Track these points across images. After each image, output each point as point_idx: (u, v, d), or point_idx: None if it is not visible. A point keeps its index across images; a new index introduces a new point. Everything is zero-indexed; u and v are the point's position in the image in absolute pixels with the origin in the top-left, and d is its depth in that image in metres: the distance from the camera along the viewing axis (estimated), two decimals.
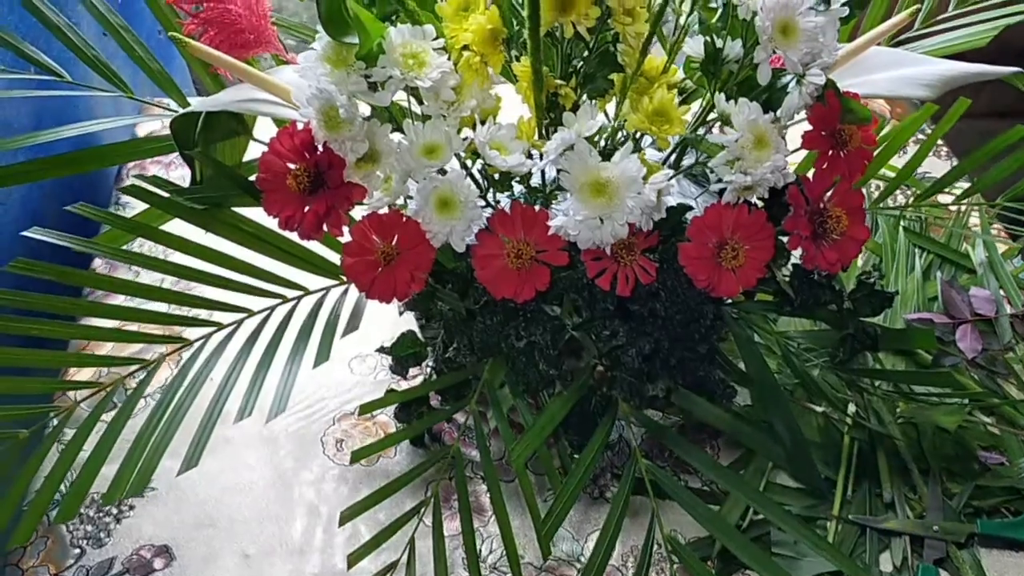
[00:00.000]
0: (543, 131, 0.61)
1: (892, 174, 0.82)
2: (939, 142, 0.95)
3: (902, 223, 0.81)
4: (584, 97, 0.63)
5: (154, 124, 1.01)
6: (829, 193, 0.60)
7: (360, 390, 0.75)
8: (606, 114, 0.67)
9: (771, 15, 0.53)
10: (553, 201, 0.64)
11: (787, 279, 0.63)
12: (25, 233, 0.56)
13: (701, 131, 0.64)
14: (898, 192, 0.88)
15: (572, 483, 0.62)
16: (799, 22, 0.54)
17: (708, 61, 0.62)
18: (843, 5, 0.57)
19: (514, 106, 0.61)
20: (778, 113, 0.59)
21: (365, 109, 0.57)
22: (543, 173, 0.61)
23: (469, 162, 0.59)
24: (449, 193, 0.55)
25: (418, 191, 0.55)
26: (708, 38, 0.62)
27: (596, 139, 0.65)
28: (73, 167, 0.58)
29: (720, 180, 0.59)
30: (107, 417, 0.65)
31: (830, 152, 0.60)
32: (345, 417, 0.74)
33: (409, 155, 0.55)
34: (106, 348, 0.76)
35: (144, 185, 0.57)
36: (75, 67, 0.69)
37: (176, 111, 0.62)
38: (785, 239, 0.62)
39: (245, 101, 0.58)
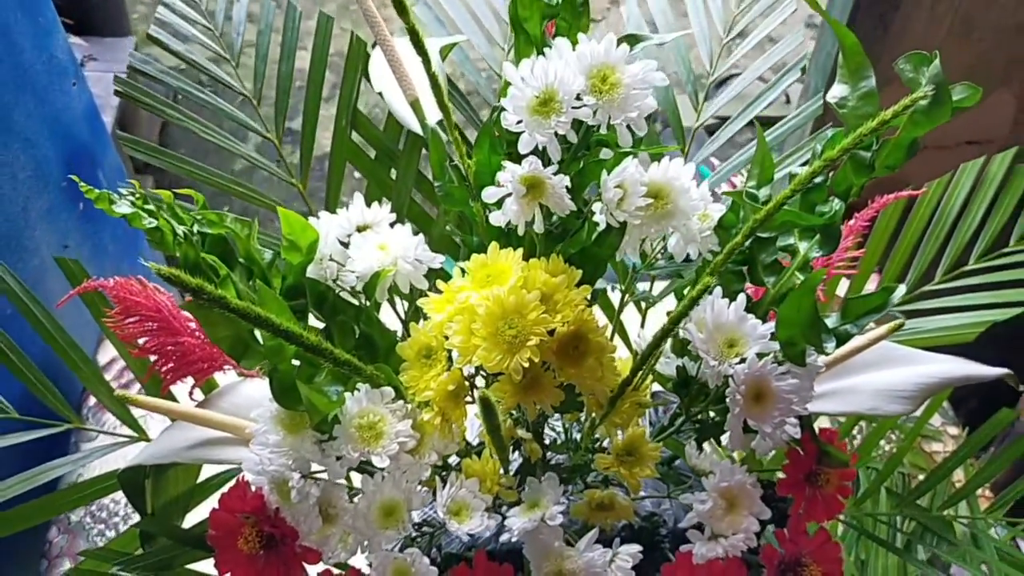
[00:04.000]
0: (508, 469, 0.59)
1: None
2: None
3: (884, 485, 0.79)
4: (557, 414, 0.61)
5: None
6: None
7: None
8: (578, 420, 0.66)
9: (743, 387, 0.51)
10: None
11: None
12: None
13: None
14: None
15: None
16: (774, 387, 0.52)
17: (680, 383, 0.61)
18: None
19: None
20: (752, 445, 0.58)
21: None
22: None
23: None
24: (406, 568, 0.53)
25: (376, 566, 0.53)
26: (680, 363, 0.61)
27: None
28: (29, 520, 0.56)
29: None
30: None
31: (806, 494, 0.59)
32: None
33: (365, 521, 0.53)
34: None
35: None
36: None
37: (126, 437, 0.60)
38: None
39: (197, 446, 0.56)
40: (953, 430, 0.90)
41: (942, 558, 0.74)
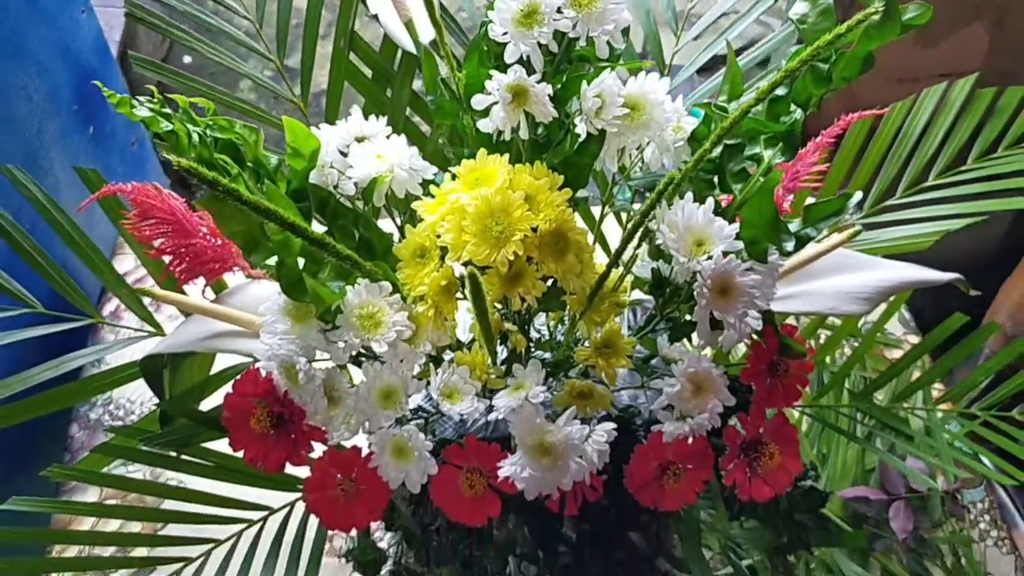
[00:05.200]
0: (496, 361, 0.63)
1: None
2: None
3: (846, 388, 0.84)
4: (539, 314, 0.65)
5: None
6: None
7: (325, 574, 0.76)
8: (562, 321, 0.70)
9: (709, 282, 0.55)
10: None
11: (723, 489, 0.66)
12: (4, 506, 0.58)
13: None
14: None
15: None
16: (737, 281, 0.56)
17: (655, 284, 0.65)
18: (781, 256, 0.60)
19: None
20: (719, 340, 0.62)
21: None
22: None
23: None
24: (404, 443, 0.57)
25: (376, 442, 0.57)
26: (655, 265, 0.65)
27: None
28: (56, 404, 0.60)
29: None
30: None
31: (767, 383, 0.63)
32: None
33: (366, 403, 0.57)
34: None
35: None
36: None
37: (144, 332, 0.63)
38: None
39: (211, 337, 0.60)
40: (914, 339, 0.95)
41: (899, 450, 0.78)
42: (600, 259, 0.60)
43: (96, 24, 1.04)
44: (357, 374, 0.59)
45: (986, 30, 1.40)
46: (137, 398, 0.88)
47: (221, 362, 0.64)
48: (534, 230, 0.52)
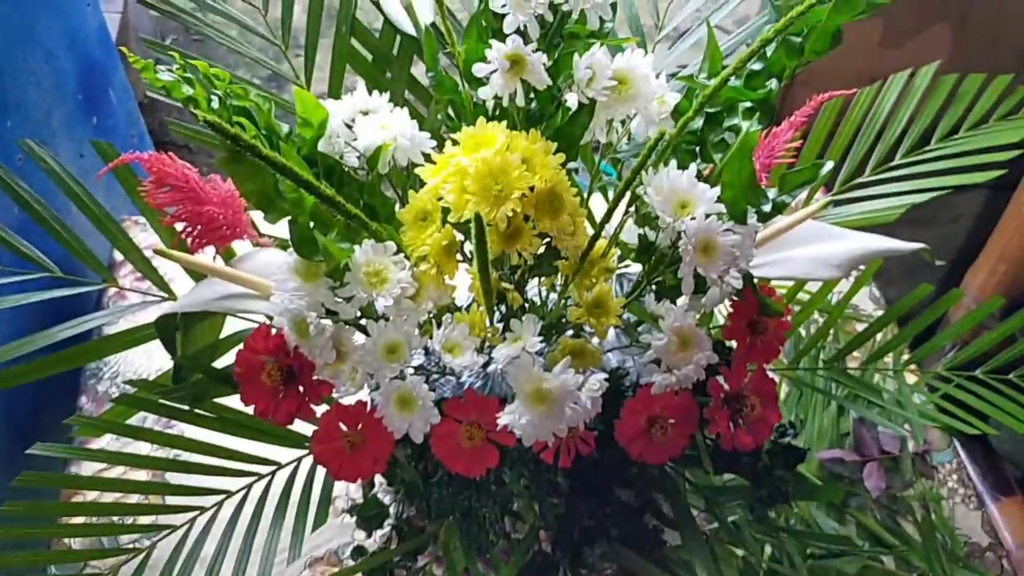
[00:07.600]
0: (493, 321, 0.66)
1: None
2: None
3: (821, 355, 0.87)
4: (532, 281, 0.68)
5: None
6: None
7: (329, 534, 0.78)
8: (553, 287, 0.73)
9: (693, 240, 0.59)
10: None
11: (707, 444, 0.69)
12: (29, 451, 0.60)
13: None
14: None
15: None
16: (719, 241, 0.60)
17: (641, 250, 0.68)
18: (760, 219, 0.63)
19: None
20: (703, 301, 0.66)
21: None
22: None
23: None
24: (408, 393, 0.60)
25: (381, 393, 0.60)
26: (642, 231, 0.68)
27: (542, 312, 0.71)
28: (72, 362, 0.62)
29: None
30: None
31: (748, 340, 0.67)
32: (316, 562, 0.78)
33: (372, 356, 0.60)
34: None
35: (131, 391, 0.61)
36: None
37: (158, 296, 0.66)
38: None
39: (223, 299, 0.62)
40: None
41: (870, 418, 0.82)
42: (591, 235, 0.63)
43: (100, 17, 1.06)
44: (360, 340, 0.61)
45: (950, 29, 1.45)
46: (144, 372, 0.90)
47: (229, 328, 0.66)
48: (531, 190, 0.55)
